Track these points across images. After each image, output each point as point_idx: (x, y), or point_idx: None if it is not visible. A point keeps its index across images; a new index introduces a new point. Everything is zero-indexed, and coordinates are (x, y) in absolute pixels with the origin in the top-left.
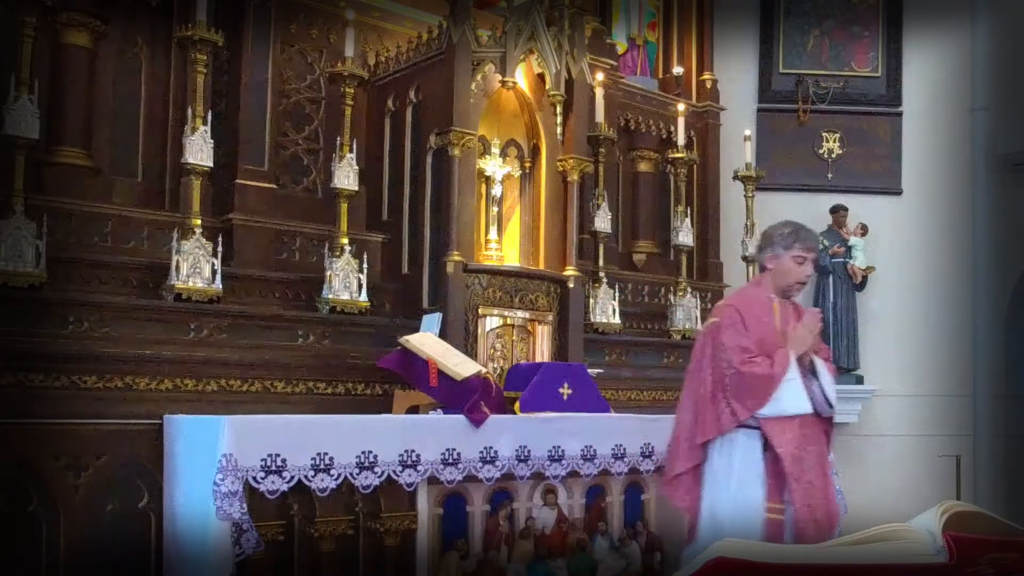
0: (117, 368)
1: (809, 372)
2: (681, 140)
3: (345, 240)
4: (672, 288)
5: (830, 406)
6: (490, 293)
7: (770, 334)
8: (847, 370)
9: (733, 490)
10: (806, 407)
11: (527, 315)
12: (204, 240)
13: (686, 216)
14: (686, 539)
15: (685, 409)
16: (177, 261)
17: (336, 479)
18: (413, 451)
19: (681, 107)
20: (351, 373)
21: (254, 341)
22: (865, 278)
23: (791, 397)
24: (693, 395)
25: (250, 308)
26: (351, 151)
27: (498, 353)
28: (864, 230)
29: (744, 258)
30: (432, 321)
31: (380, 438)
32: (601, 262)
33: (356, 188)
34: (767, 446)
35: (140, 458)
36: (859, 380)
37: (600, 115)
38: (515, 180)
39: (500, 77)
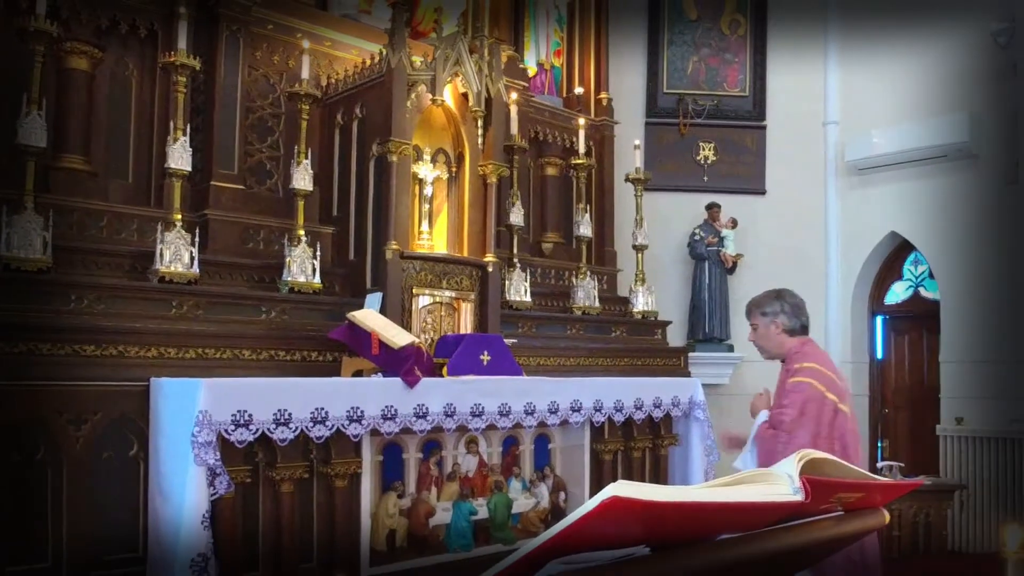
0: (111, 339)
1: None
2: (582, 149)
3: (302, 232)
4: (574, 272)
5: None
6: (422, 276)
7: None
8: (720, 340)
9: None
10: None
11: (453, 294)
12: (184, 232)
13: (586, 212)
14: None
15: None
16: (161, 249)
17: (294, 431)
18: (358, 408)
19: (582, 121)
20: (306, 343)
21: (225, 316)
22: (735, 263)
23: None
24: None
25: (222, 289)
26: (307, 158)
27: (429, 326)
28: (734, 223)
29: (634, 247)
30: (374, 299)
31: (331, 397)
32: (515, 250)
33: (311, 188)
34: None
35: (130, 414)
36: (730, 349)
37: (514, 128)
38: (443, 182)
39: (431, 96)
